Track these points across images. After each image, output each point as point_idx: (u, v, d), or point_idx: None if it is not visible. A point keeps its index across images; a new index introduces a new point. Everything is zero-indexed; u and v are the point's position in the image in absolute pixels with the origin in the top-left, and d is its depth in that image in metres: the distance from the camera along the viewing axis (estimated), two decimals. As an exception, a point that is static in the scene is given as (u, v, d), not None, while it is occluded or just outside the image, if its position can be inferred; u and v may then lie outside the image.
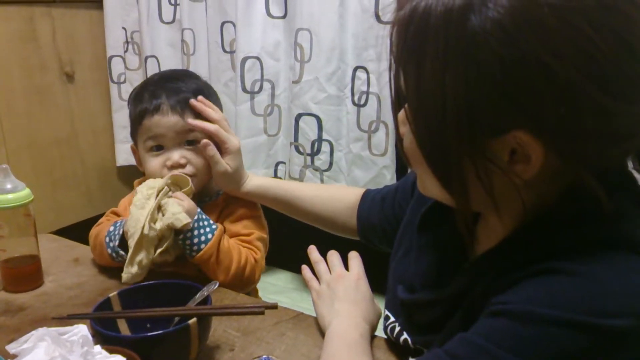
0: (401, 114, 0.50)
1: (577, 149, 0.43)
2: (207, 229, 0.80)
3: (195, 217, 0.79)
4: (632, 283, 0.42)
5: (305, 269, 0.75)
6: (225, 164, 0.85)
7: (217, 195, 0.91)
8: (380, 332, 0.67)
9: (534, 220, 0.48)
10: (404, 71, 0.46)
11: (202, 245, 0.79)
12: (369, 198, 0.82)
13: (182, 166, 0.84)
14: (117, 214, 0.92)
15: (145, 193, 0.78)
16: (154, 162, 0.84)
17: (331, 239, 0.86)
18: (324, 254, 0.76)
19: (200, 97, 0.86)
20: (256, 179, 0.89)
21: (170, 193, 0.80)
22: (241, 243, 0.86)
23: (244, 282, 0.85)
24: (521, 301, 0.43)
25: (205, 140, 0.83)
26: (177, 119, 0.83)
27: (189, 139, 0.84)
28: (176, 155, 0.83)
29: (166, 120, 0.83)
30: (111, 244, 0.82)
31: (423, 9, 0.43)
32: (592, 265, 0.42)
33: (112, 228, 0.84)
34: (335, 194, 0.87)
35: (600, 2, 0.41)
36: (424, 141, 0.47)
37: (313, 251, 0.76)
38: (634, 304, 0.41)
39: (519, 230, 0.49)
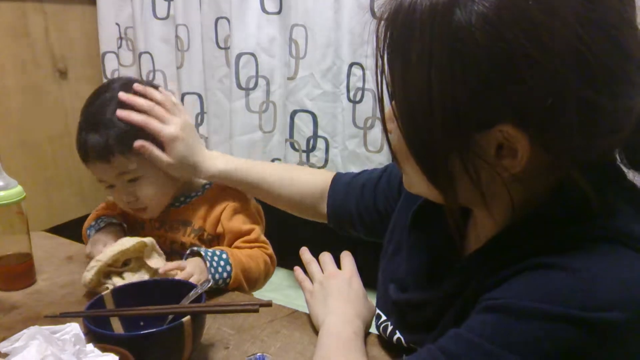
0: (388, 110, 0.50)
1: (562, 142, 0.43)
2: (222, 263, 0.79)
3: (208, 265, 0.77)
4: (624, 276, 0.41)
5: (297, 270, 0.75)
6: (165, 157, 0.80)
7: (203, 189, 0.89)
8: (374, 330, 0.67)
9: (524, 217, 0.47)
10: (390, 66, 0.46)
11: (228, 280, 0.79)
12: (342, 182, 0.79)
13: (134, 202, 0.84)
14: (109, 207, 0.92)
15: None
16: (113, 197, 0.86)
17: (324, 237, 0.85)
18: (316, 254, 0.75)
19: (135, 86, 0.81)
20: (220, 163, 0.83)
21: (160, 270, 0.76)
22: (250, 244, 0.86)
23: (267, 280, 0.88)
24: (513, 296, 0.43)
25: (137, 143, 0.78)
26: (106, 167, 0.79)
27: (128, 180, 0.81)
28: (124, 196, 0.83)
29: (99, 168, 0.81)
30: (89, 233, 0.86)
31: (409, 3, 0.43)
32: (584, 259, 0.42)
33: (93, 223, 0.87)
34: (303, 176, 0.84)
35: None
36: (411, 136, 0.46)
37: (305, 252, 0.76)
38: (626, 297, 0.41)
39: (509, 227, 0.49)
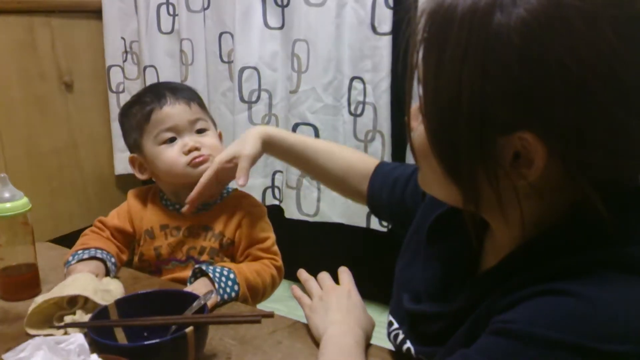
0: (414, 107, 0.50)
1: (581, 158, 0.42)
2: (230, 283, 0.80)
3: (216, 286, 0.78)
4: (639, 308, 0.41)
5: (294, 288, 0.75)
6: (248, 160, 0.82)
7: (221, 197, 0.92)
8: (382, 339, 0.67)
9: (540, 237, 0.47)
10: (424, 61, 0.46)
11: (235, 298, 0.81)
12: (382, 172, 0.79)
13: (198, 149, 0.86)
14: (104, 223, 0.92)
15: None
16: (169, 153, 0.86)
17: (323, 254, 0.85)
18: (314, 270, 0.76)
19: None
20: (270, 130, 0.85)
21: None
22: (261, 254, 0.87)
23: (272, 292, 0.89)
24: (524, 321, 0.42)
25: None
26: (185, 108, 0.87)
27: (198, 129, 0.88)
28: (191, 141, 0.87)
29: (176, 109, 0.86)
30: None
31: (451, 1, 0.44)
32: (599, 288, 0.41)
33: (80, 252, 0.85)
34: (349, 155, 0.84)
35: (630, 14, 0.41)
36: (436, 132, 0.46)
37: (302, 272, 0.76)
38: (638, 329, 0.40)
39: (525, 245, 0.48)
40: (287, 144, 0.85)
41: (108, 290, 0.74)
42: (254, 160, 0.83)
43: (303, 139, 0.86)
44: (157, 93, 0.88)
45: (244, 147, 0.83)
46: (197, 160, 0.86)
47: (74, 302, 0.73)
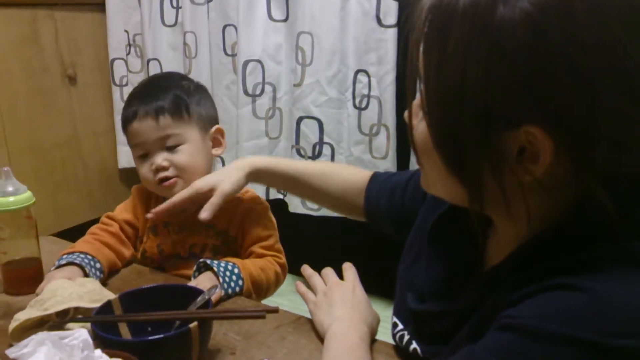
0: (415, 103, 0.49)
1: (587, 151, 0.42)
2: (234, 277, 0.79)
3: (221, 280, 0.77)
4: None
5: (299, 284, 0.75)
6: (221, 197, 0.81)
7: None
8: (387, 334, 0.67)
9: (546, 232, 0.46)
10: (426, 54, 0.45)
11: (240, 293, 0.80)
12: (378, 181, 0.79)
13: (165, 169, 0.84)
14: (112, 218, 0.92)
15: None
16: (143, 169, 0.87)
17: (327, 249, 0.85)
18: (319, 265, 0.76)
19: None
20: (257, 159, 0.86)
21: None
22: (264, 252, 0.87)
23: (276, 289, 0.88)
24: (531, 316, 0.42)
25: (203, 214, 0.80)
26: (152, 125, 0.83)
27: (168, 145, 0.85)
28: (159, 159, 0.84)
29: (144, 126, 0.83)
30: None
31: None
32: (607, 283, 0.41)
33: (65, 257, 0.82)
34: (344, 173, 0.84)
35: (635, 5, 0.40)
36: (439, 128, 0.45)
37: (306, 268, 0.76)
38: None
39: (530, 241, 0.47)
40: (277, 175, 0.84)
41: (92, 290, 0.72)
42: (229, 197, 0.81)
43: (294, 165, 0.85)
44: (130, 101, 0.86)
45: (224, 181, 0.81)
46: (164, 184, 0.85)
47: (64, 312, 0.71)
